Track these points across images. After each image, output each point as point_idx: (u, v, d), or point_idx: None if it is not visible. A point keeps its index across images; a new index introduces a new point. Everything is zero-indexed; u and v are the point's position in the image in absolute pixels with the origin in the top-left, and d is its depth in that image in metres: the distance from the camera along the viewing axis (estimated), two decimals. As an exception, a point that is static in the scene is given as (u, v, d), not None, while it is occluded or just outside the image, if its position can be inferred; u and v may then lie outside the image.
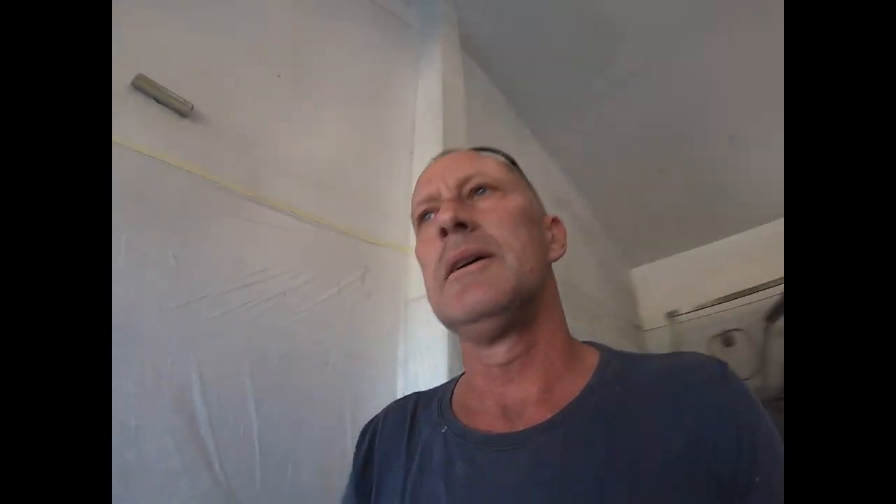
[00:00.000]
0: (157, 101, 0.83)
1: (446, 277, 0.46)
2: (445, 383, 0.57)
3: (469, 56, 1.76)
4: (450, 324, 0.48)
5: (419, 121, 1.41)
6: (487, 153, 0.56)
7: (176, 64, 0.90)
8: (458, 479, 0.43)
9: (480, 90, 1.82)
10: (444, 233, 0.47)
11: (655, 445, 0.38)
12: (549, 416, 0.43)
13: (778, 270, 2.62)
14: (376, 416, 0.56)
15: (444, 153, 0.58)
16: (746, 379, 2.48)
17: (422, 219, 0.53)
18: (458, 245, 0.46)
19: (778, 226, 2.88)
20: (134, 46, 0.84)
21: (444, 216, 0.46)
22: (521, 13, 1.75)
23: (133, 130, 0.78)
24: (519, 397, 0.46)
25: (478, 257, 0.45)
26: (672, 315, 2.98)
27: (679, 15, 1.78)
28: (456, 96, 1.46)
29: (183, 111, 0.87)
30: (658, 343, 2.96)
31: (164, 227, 0.77)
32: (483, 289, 0.44)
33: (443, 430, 0.48)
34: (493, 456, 0.43)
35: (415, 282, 1.11)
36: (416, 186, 0.55)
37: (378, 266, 1.09)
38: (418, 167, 0.98)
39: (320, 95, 1.21)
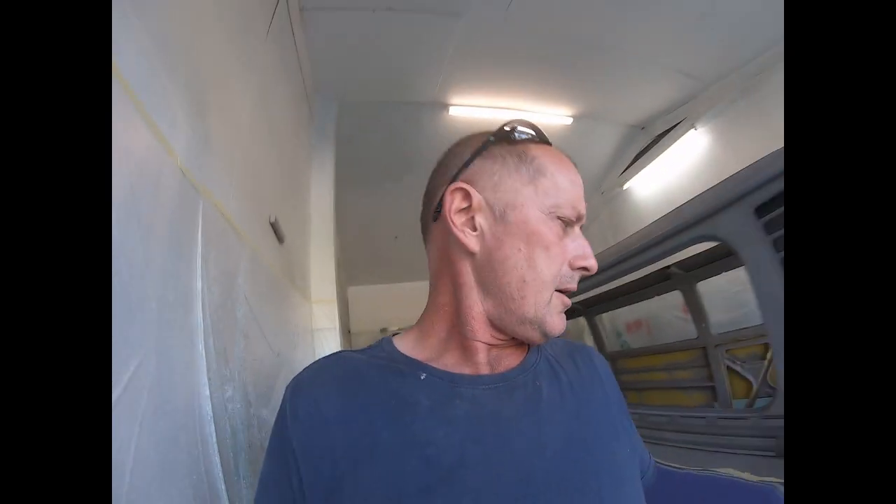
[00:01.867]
0: (274, 231, 1.55)
1: (558, 290, 0.50)
2: (363, 348, 0.56)
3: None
4: (522, 324, 0.50)
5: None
6: None
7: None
8: (460, 416, 0.46)
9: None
10: (575, 267, 0.51)
11: (586, 390, 0.54)
12: (517, 363, 0.53)
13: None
14: (300, 383, 0.50)
15: (571, 163, 0.55)
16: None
17: (558, 216, 0.50)
18: (575, 281, 0.51)
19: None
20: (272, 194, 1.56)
21: (593, 263, 0.51)
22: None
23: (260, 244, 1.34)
24: (505, 352, 0.54)
25: None
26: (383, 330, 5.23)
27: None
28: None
29: (280, 239, 1.64)
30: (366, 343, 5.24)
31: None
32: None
33: (422, 377, 0.49)
34: (490, 392, 0.49)
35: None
36: (561, 171, 0.52)
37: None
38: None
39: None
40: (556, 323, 0.50)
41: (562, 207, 0.50)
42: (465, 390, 0.49)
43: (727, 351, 2.31)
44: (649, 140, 4.01)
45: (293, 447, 0.46)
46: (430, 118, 3.46)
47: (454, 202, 0.51)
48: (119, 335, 0.47)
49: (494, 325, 0.51)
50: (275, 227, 1.52)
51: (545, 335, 0.50)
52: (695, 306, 2.43)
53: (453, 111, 3.36)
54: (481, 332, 0.52)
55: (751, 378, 2.18)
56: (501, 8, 2.39)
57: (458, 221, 0.51)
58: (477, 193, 0.51)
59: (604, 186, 4.69)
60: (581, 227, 0.53)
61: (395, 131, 3.53)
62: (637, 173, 4.22)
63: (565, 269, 0.50)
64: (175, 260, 0.68)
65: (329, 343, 2.36)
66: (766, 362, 2.07)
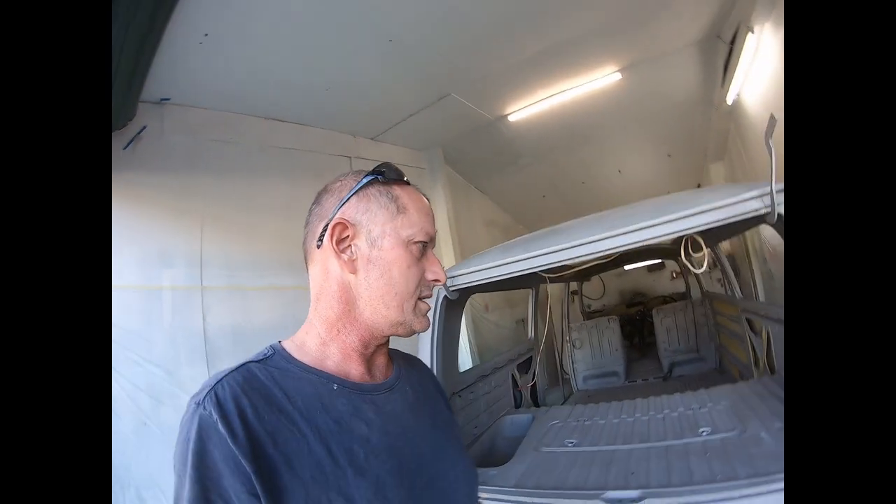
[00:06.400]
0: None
1: (419, 298, 0.65)
2: (257, 357, 0.59)
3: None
4: (394, 326, 0.64)
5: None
6: None
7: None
8: (372, 418, 0.60)
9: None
10: (428, 280, 0.65)
11: (426, 388, 0.76)
12: (391, 373, 0.70)
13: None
14: (220, 398, 0.51)
15: (424, 198, 0.69)
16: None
17: (415, 242, 0.64)
18: (430, 290, 0.66)
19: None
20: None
21: (442, 277, 0.66)
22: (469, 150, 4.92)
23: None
24: (378, 363, 0.68)
25: None
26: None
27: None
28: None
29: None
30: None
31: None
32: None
33: (334, 388, 0.59)
34: (384, 397, 0.64)
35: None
36: (417, 209, 0.65)
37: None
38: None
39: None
40: (421, 323, 0.66)
41: (417, 236, 0.64)
42: (369, 396, 0.63)
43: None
44: (728, 47, 3.70)
45: (239, 461, 0.48)
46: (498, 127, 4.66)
47: (336, 234, 0.62)
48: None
49: (372, 329, 0.64)
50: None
51: (412, 333, 0.66)
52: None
53: (512, 118, 4.42)
54: (364, 336, 0.64)
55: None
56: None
57: (339, 249, 0.62)
58: (353, 226, 0.62)
59: (715, 101, 4.43)
60: (433, 246, 0.68)
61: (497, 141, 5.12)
62: (732, 84, 3.98)
63: (423, 282, 0.65)
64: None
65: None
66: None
